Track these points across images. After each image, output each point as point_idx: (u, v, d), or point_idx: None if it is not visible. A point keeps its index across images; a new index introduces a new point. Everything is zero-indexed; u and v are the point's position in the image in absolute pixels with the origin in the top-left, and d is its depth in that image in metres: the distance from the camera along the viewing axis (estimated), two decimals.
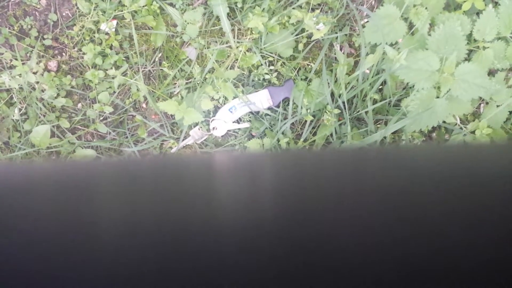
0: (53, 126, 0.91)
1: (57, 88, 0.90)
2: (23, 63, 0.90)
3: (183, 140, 0.91)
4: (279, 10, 0.90)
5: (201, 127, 0.91)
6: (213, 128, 0.90)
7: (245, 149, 0.91)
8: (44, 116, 0.91)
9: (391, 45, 0.83)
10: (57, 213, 0.11)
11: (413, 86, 0.82)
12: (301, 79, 0.91)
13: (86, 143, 0.92)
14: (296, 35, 0.89)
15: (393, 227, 0.10)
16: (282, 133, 0.89)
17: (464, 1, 0.84)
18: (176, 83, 0.92)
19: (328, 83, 0.87)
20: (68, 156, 0.91)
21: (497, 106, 0.87)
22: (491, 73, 0.87)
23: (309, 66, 0.92)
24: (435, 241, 0.09)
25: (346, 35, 0.92)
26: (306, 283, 0.08)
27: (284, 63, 0.91)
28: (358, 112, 0.88)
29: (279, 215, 0.10)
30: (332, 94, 0.88)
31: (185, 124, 0.85)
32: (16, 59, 0.89)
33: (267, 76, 0.90)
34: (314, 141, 0.90)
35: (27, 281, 0.08)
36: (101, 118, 0.93)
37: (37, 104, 0.90)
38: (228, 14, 0.89)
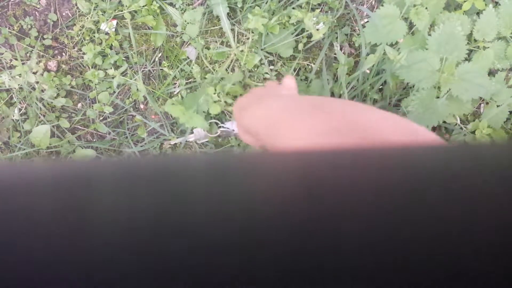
0: (53, 126, 0.91)
1: (57, 88, 0.90)
2: (23, 63, 0.90)
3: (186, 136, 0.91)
4: (279, 10, 0.89)
5: (205, 130, 0.91)
6: (218, 134, 0.91)
7: (245, 149, 0.91)
8: (44, 116, 0.91)
9: (391, 45, 0.83)
10: (57, 213, 0.11)
11: (413, 86, 0.82)
12: (301, 79, 0.91)
13: (86, 143, 0.92)
14: (296, 35, 0.89)
15: (393, 227, 0.10)
16: None
17: (465, 1, 0.84)
18: (176, 83, 0.92)
19: (328, 83, 0.87)
20: (68, 156, 0.91)
21: (498, 106, 0.87)
22: (492, 73, 0.87)
23: (309, 66, 0.92)
24: (435, 241, 0.09)
25: (346, 35, 0.92)
26: (306, 283, 0.08)
27: (284, 63, 0.91)
28: None
29: (279, 215, 0.10)
30: (332, 94, 0.88)
31: (188, 126, 0.86)
32: (16, 59, 0.89)
33: (267, 76, 0.90)
34: None
35: (27, 281, 0.08)
36: (101, 118, 0.93)
37: (37, 104, 0.90)
38: (228, 14, 0.89)
